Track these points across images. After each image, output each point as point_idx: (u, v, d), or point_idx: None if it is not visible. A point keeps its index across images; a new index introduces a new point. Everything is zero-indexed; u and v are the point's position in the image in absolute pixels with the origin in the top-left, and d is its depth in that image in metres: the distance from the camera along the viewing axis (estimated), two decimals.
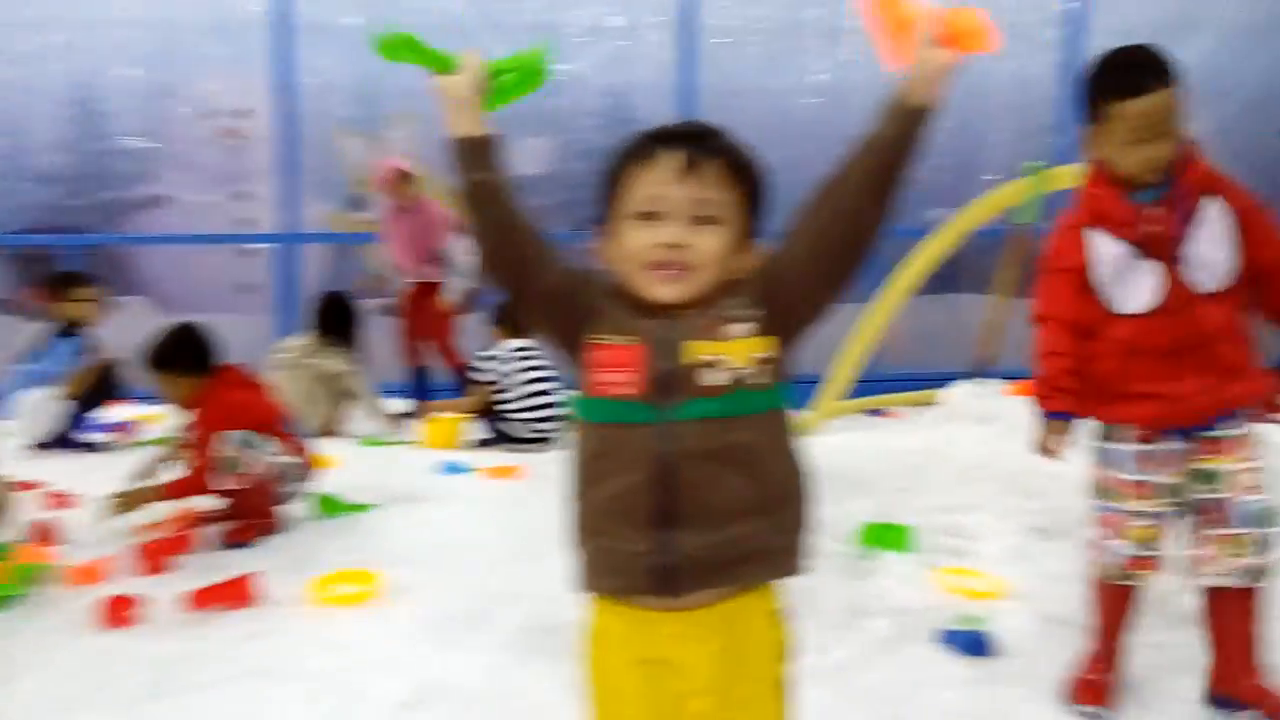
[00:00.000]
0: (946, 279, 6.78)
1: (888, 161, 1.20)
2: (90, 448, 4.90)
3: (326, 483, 3.67)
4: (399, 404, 5.94)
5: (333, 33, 6.56)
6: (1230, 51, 6.89)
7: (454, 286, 5.61)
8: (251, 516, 3.32)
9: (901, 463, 3.77)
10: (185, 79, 6.61)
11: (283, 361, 5.20)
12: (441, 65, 1.36)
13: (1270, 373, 2.04)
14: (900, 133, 1.20)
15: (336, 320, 5.35)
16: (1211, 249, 1.96)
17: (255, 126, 6.63)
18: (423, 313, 5.79)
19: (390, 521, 3.45)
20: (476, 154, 1.30)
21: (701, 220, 1.24)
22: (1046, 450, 2.10)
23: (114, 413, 5.27)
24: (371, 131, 6.69)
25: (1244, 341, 2.01)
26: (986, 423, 4.10)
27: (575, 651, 1.38)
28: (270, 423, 3.42)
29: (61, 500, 3.73)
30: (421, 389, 5.88)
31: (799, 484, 1.29)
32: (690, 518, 1.21)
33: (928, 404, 4.99)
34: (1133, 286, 2.00)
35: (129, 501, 3.26)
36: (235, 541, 3.24)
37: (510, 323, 5.14)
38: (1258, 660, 2.05)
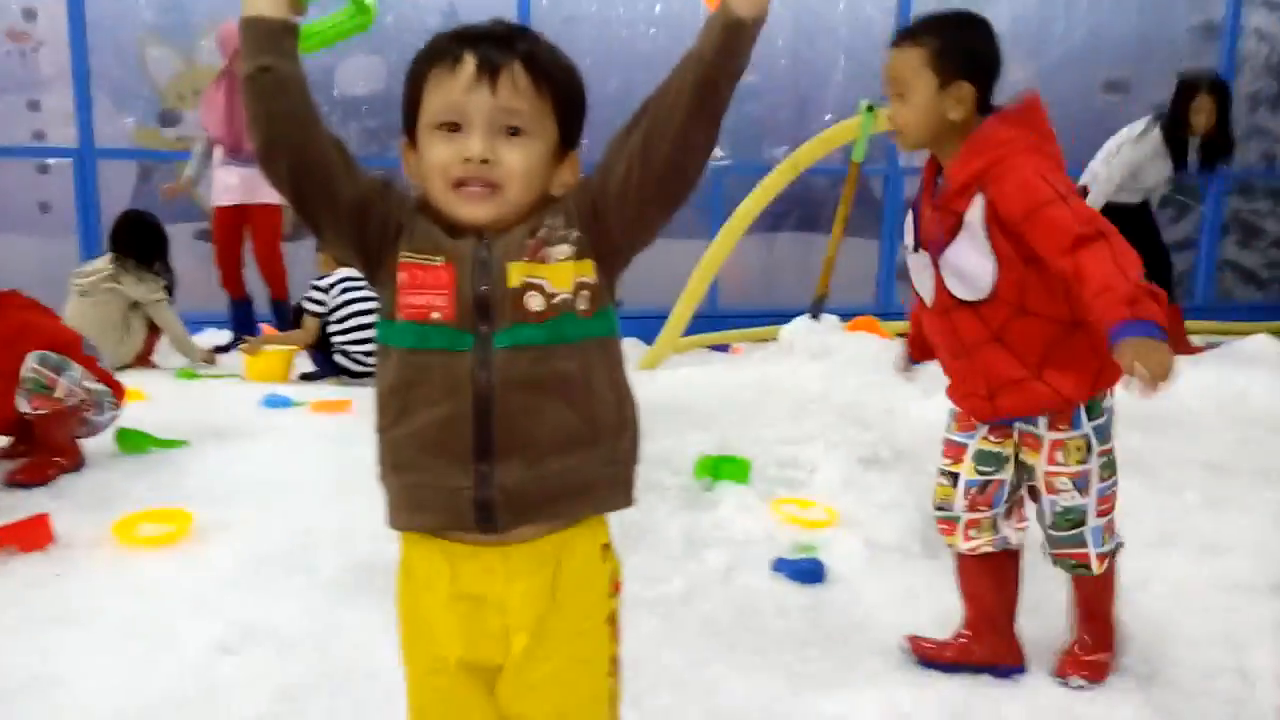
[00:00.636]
0: (805, 220, 6.94)
1: (710, 77, 1.11)
2: None
3: (134, 417, 3.40)
4: (217, 335, 5.60)
5: None
6: (1054, 3, 7.20)
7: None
8: (51, 451, 3.04)
9: (740, 397, 3.81)
10: None
11: (83, 287, 4.78)
12: None
13: (1064, 380, 1.85)
14: (722, 47, 1.10)
15: (139, 242, 4.91)
16: (964, 258, 1.82)
17: (44, 29, 6.00)
18: (244, 237, 5.44)
19: (205, 458, 3.23)
20: (271, 38, 1.14)
21: (508, 132, 1.13)
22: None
23: None
24: (181, 40, 6.18)
25: (1023, 352, 1.84)
26: (823, 358, 4.19)
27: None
28: (68, 346, 3.13)
29: None
30: (242, 319, 5.54)
31: (626, 415, 1.21)
32: (510, 450, 1.12)
33: (773, 340, 5.07)
34: (918, 277, 1.93)
35: None
36: (27, 480, 2.96)
37: None
38: (1087, 637, 2.01)
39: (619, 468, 1.21)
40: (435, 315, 1.12)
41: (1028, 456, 1.95)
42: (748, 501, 2.82)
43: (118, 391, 3.27)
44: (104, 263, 4.87)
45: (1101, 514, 1.92)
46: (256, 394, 4.14)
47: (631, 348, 5.20)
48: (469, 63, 1.12)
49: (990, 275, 1.80)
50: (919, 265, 1.93)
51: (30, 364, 2.96)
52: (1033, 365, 1.84)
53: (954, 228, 1.82)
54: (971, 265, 1.82)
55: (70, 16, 5.88)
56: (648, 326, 5.02)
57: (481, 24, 1.18)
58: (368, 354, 4.75)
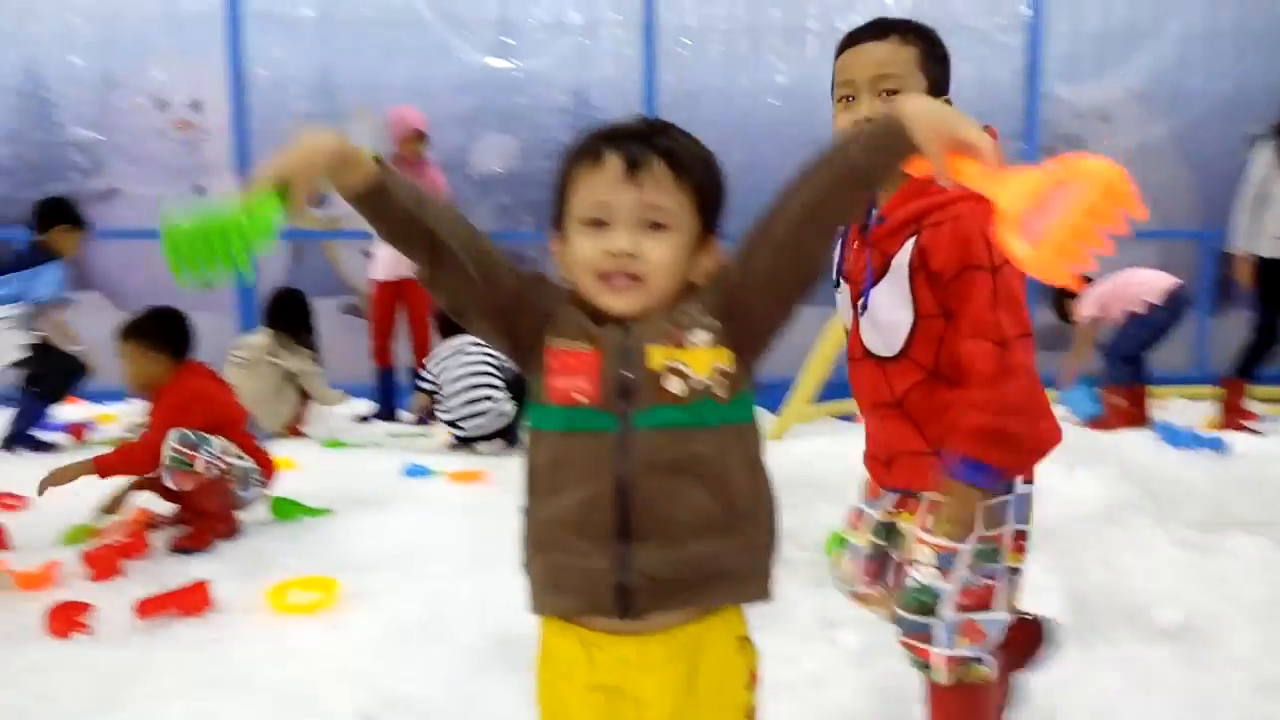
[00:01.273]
0: None
1: (864, 192, 1.21)
2: (47, 447, 4.74)
3: (284, 485, 3.57)
4: (359, 405, 5.85)
5: (287, 24, 6.46)
6: (1194, 56, 6.98)
7: None
8: (207, 519, 3.22)
9: None
10: (134, 69, 6.45)
11: (241, 359, 5.09)
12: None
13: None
14: (889, 165, 1.17)
15: (292, 317, 5.24)
16: (882, 305, 1.63)
17: (209, 119, 6.48)
18: (398, 311, 5.67)
19: (350, 526, 3.37)
20: (379, 200, 1.18)
21: (651, 226, 1.18)
22: None
23: (70, 411, 5.13)
24: (331, 126, 6.58)
25: (924, 422, 1.65)
26: None
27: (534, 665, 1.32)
28: (232, 422, 3.35)
29: (10, 503, 3.60)
30: (387, 388, 5.76)
31: (765, 501, 1.23)
32: (648, 532, 1.15)
33: None
34: (844, 315, 1.75)
35: (61, 477, 3.13)
36: (189, 547, 3.14)
37: (447, 323, 5.08)
38: None
39: (757, 556, 1.22)
40: (580, 398, 1.17)
41: (903, 519, 1.75)
42: None
43: (267, 469, 3.43)
44: (261, 337, 5.17)
45: (961, 608, 1.61)
46: (397, 463, 4.30)
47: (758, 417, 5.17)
48: (613, 162, 1.18)
49: (905, 329, 1.63)
50: (843, 302, 1.74)
51: (170, 444, 3.12)
52: (933, 438, 1.63)
53: (881, 269, 1.63)
54: (888, 315, 1.63)
55: (233, 107, 6.34)
56: (774, 395, 5.00)
57: (625, 122, 1.24)
58: (469, 417, 4.85)
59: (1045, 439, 1.64)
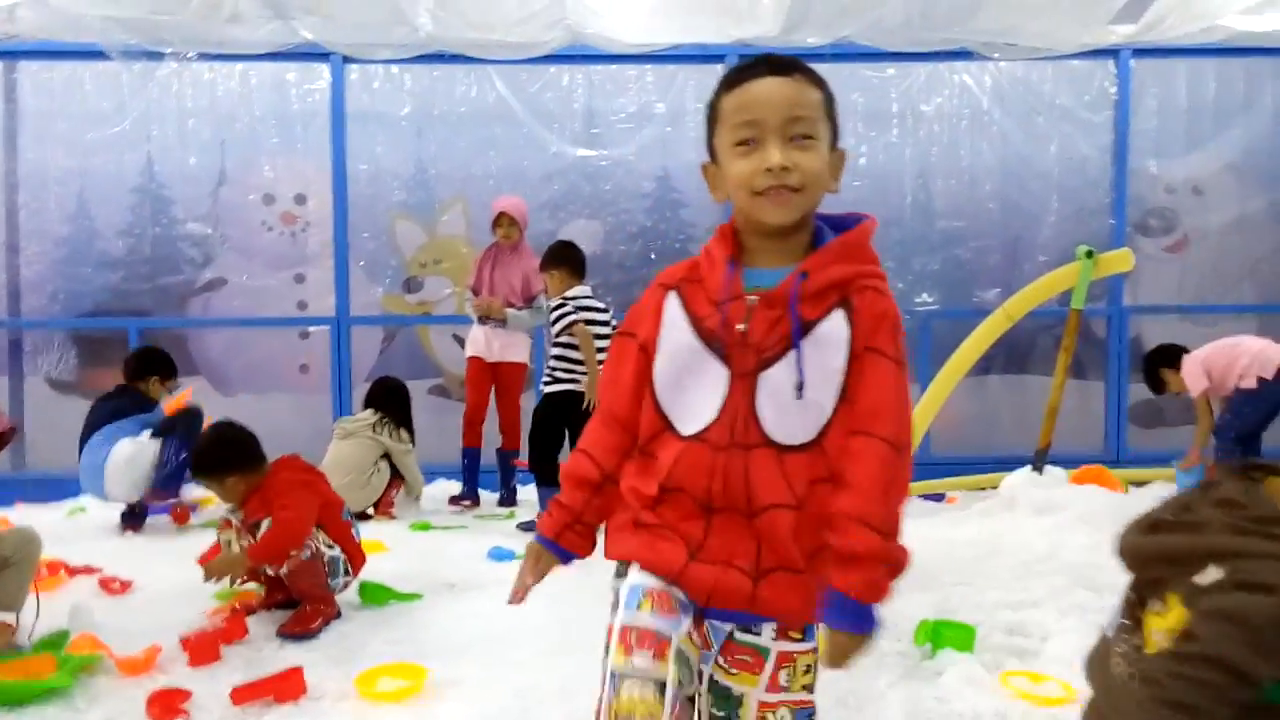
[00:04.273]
0: (1015, 360, 6.76)
1: None
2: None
3: (374, 569, 3.64)
4: (449, 486, 5.95)
5: (386, 121, 6.77)
6: None
7: (524, 322, 5.62)
8: (313, 604, 3.28)
9: (960, 554, 3.67)
10: (245, 166, 6.82)
11: (347, 431, 5.36)
12: None
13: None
14: None
15: (395, 405, 5.52)
16: (811, 385, 1.38)
17: (312, 212, 6.80)
18: (492, 393, 5.81)
19: (437, 612, 3.41)
20: None
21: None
22: None
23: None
24: (425, 216, 6.84)
25: (816, 527, 1.36)
26: (1049, 513, 3.99)
27: None
28: (330, 507, 3.44)
29: (116, 586, 3.75)
30: (472, 466, 5.83)
31: None
32: None
33: (990, 488, 4.89)
34: (695, 383, 1.43)
35: (221, 569, 3.22)
36: (296, 632, 3.18)
37: None
38: None
39: None
40: None
41: (738, 682, 1.43)
42: (973, 673, 2.68)
43: (356, 561, 3.48)
44: (368, 414, 5.48)
45: None
46: (482, 546, 4.36)
47: None
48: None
49: (827, 414, 1.38)
50: (715, 373, 1.41)
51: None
52: (807, 548, 1.38)
53: (787, 336, 1.38)
54: (817, 390, 1.38)
55: (335, 199, 6.64)
56: None
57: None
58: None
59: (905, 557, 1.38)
